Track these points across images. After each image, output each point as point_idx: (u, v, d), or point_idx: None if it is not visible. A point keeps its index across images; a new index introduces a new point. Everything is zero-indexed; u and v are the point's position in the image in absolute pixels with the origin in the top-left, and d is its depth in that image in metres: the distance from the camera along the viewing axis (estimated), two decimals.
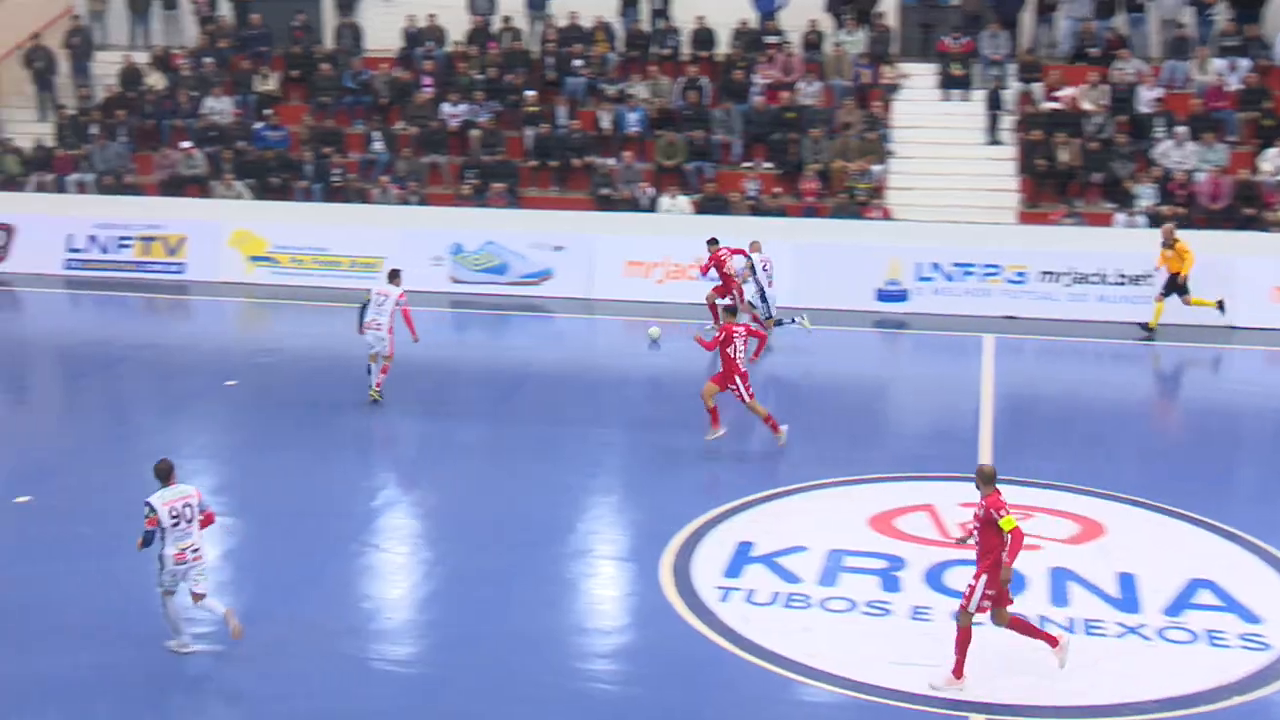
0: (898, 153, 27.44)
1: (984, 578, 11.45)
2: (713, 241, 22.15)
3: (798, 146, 27.33)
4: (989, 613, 11.62)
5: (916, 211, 26.18)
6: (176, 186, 28.43)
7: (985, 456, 17.32)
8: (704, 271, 22.22)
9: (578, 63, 29.43)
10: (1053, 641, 11.86)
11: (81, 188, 28.71)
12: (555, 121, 28.42)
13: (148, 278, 27.19)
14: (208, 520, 12.47)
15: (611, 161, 27.69)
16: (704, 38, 29.71)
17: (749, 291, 22.04)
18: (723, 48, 29.68)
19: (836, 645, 12.39)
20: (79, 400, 21.01)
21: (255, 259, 26.82)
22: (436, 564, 14.59)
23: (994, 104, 27.56)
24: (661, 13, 30.44)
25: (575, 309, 25.22)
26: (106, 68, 31.32)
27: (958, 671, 11.65)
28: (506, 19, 30.66)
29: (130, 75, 30.75)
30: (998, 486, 11.53)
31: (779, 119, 27.89)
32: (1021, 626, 11.85)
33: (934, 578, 13.85)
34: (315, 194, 27.99)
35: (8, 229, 28.15)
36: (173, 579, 12.36)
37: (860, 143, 27.16)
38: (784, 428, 17.53)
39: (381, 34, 31.21)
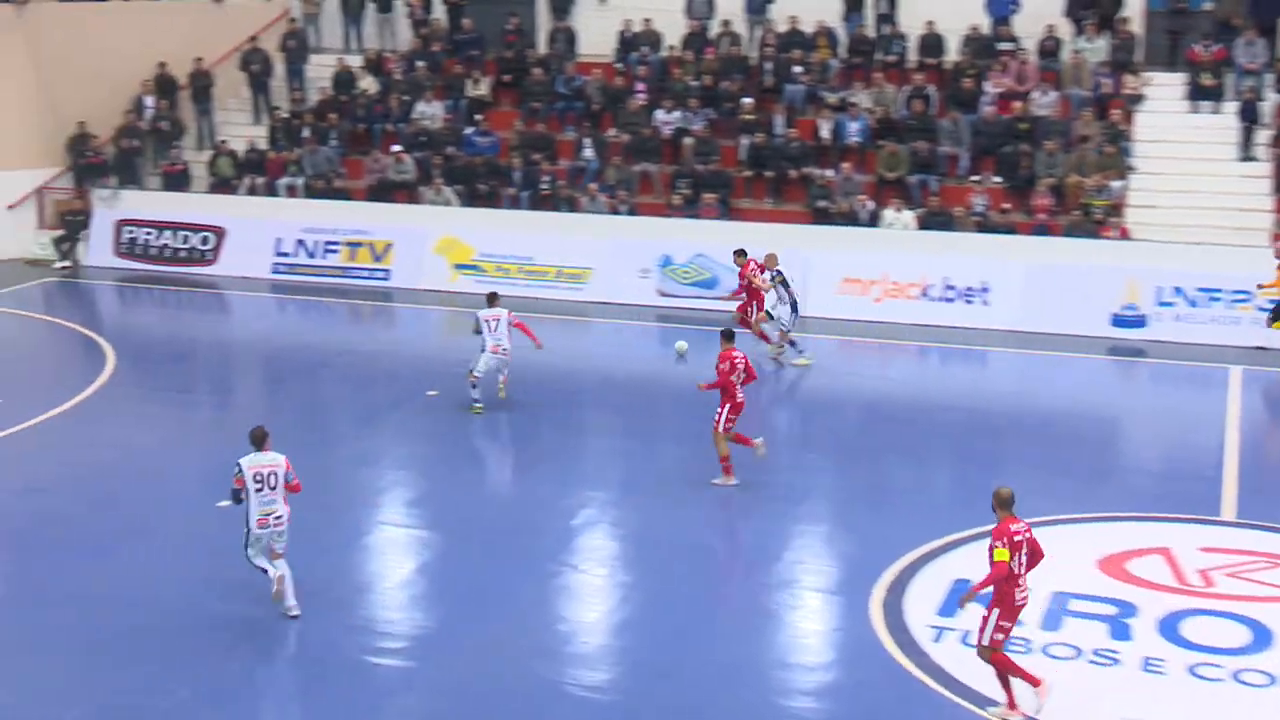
0: (1139, 168, 26.50)
1: (995, 611, 11.46)
2: (740, 253, 22.35)
3: (1030, 160, 26.60)
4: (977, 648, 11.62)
5: (1158, 231, 25.22)
6: (385, 192, 29.06)
7: (1229, 498, 16.53)
8: (738, 293, 22.66)
9: (797, 69, 29.18)
10: (1034, 682, 11.62)
11: (291, 191, 29.57)
12: (772, 130, 28.21)
13: (353, 283, 27.83)
14: (293, 489, 13.37)
15: (830, 173, 27.36)
16: (932, 44, 29.17)
17: (769, 301, 22.09)
18: (952, 54, 29.11)
19: (1058, 694, 11.87)
20: (279, 405, 21.51)
21: (460, 267, 27.25)
22: (634, 588, 14.49)
23: (1248, 117, 26.42)
24: (887, 17, 30.02)
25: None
26: (320, 71, 32.27)
27: (1030, 685, 11.60)
28: (725, 23, 30.61)
29: (343, 79, 31.61)
30: (1012, 514, 11.43)
31: (1010, 130, 27.20)
32: (1004, 664, 11.62)
33: (1169, 628, 13.22)
34: (523, 201, 28.32)
35: (219, 231, 29.14)
36: (257, 543, 13.25)
37: (1098, 157, 26.31)
38: (733, 480, 16.79)
39: (596, 38, 31.44)
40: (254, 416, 20.89)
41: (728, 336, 16.97)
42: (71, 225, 29.69)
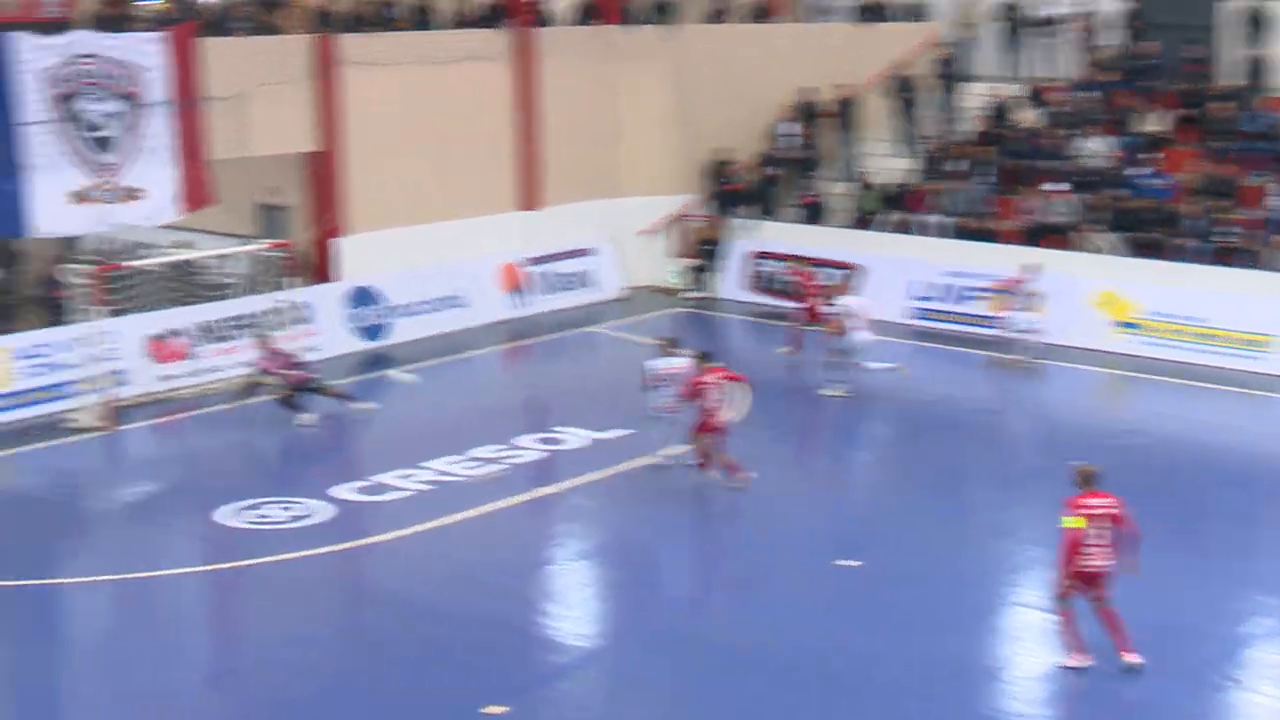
0: None
1: (1062, 570, 14.39)
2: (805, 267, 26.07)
3: None
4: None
5: None
6: (1037, 236, 28.99)
7: None
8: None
9: None
10: (1082, 653, 14.46)
11: (935, 230, 30.03)
12: None
13: (999, 335, 27.89)
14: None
15: None
16: None
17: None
18: None
19: None
20: (912, 462, 21.97)
21: (1122, 324, 26.77)
22: None
23: None
24: None
25: None
26: (973, 100, 32.65)
27: (1075, 652, 14.51)
28: None
29: (998, 109, 31.86)
30: (1089, 490, 14.40)
31: None
32: (1067, 619, 14.50)
33: None
34: (1195, 254, 27.47)
35: (854, 269, 30.05)
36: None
37: None
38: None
39: None
40: (880, 471, 21.63)
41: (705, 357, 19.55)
42: (705, 254, 31.58)
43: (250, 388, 23.03)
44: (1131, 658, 14.35)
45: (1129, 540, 14.36)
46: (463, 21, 30.50)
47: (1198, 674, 14.50)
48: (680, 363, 20.20)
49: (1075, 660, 14.51)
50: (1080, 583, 14.38)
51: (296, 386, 22.66)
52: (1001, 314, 26.71)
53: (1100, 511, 14.31)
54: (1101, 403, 25.54)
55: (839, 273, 28.80)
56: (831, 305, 25.09)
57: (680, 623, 16.03)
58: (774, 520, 19.04)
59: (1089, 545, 14.25)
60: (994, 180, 30.55)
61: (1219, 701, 14.10)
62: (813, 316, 26.41)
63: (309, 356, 24.08)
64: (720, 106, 32.51)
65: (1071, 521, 14.29)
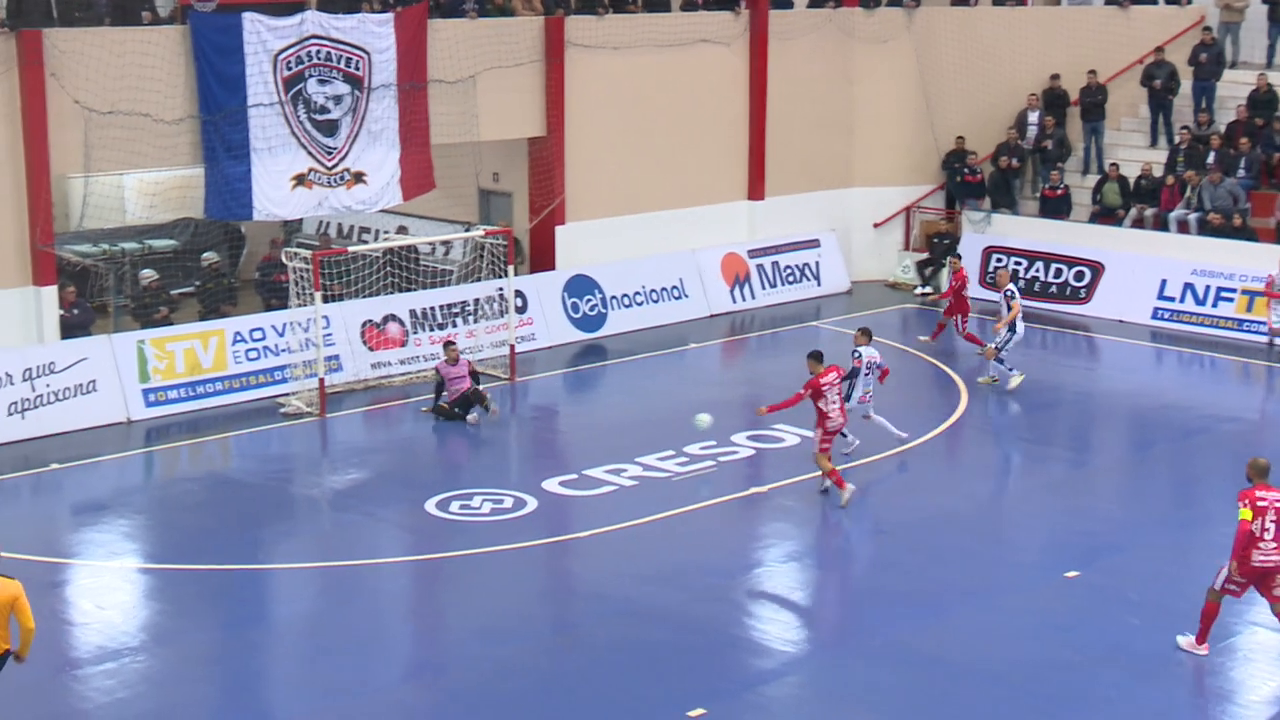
0: None
1: (1233, 563, 14.51)
2: (957, 256, 26.15)
3: None
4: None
5: None
6: None
7: None
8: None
9: None
10: (1204, 644, 14.87)
11: (1183, 226, 29.16)
12: None
13: (1247, 339, 26.95)
14: None
15: None
16: None
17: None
18: None
19: None
20: (1146, 470, 21.38)
21: None
22: None
23: None
24: None
25: None
26: (1235, 90, 31.51)
27: (1200, 638, 14.88)
28: None
29: (1262, 99, 30.71)
30: (1264, 483, 14.66)
31: None
32: (1211, 613, 14.79)
33: None
34: None
35: (1096, 267, 29.31)
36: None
37: None
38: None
39: None
40: (1113, 480, 21.03)
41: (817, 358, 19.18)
42: (937, 249, 31.06)
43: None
44: None
45: None
46: (697, 4, 30.49)
47: None
48: (875, 353, 21.03)
49: (1193, 646, 14.93)
50: (1250, 577, 14.53)
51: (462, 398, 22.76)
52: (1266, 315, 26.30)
53: (1271, 504, 14.42)
54: None
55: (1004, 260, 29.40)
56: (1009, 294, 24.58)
57: (890, 630, 15.81)
58: (1000, 528, 18.77)
59: (1261, 540, 14.36)
60: (1252, 175, 29.51)
61: None
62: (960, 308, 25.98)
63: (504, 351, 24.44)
64: (965, 92, 31.97)
65: (1243, 513, 14.45)
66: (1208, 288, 27.95)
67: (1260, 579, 14.53)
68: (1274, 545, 14.36)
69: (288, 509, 19.85)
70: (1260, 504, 14.40)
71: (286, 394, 23.41)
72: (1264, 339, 26.68)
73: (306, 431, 22.51)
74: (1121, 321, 28.46)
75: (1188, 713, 14.12)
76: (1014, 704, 14.05)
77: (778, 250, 30.46)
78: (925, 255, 31.26)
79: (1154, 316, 28.38)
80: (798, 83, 30.77)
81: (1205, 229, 28.88)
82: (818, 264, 30.93)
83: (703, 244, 29.53)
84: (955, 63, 31.90)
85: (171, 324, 24.20)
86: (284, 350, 23.67)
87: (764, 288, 30.00)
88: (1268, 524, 14.36)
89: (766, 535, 18.66)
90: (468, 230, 26.78)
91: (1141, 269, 28.81)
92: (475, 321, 25.52)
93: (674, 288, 28.76)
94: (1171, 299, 28.36)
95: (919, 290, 30.89)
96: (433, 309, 25.47)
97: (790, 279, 30.46)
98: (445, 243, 27.52)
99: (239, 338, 23.69)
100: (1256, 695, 14.37)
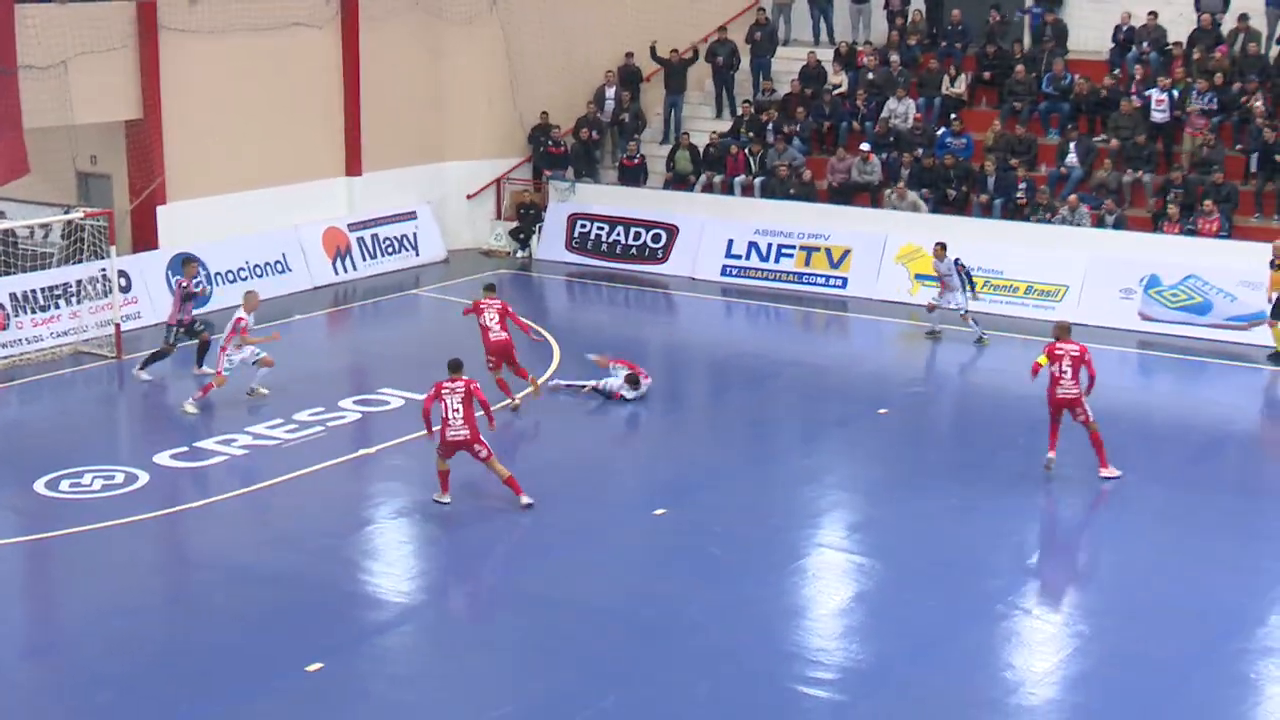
0: None
1: None
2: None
3: None
4: None
5: None
6: (847, 194, 29.30)
7: None
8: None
9: None
10: None
11: (747, 189, 30.25)
12: None
13: (806, 290, 28.17)
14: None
15: None
16: None
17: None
18: None
19: None
20: (724, 415, 22.15)
21: (921, 277, 27.11)
22: (1093, 640, 14.17)
23: None
24: None
25: None
26: (788, 65, 32.83)
27: None
28: (1243, 18, 29.28)
29: (812, 73, 32.07)
30: (1066, 338, 17.72)
31: None
32: None
33: None
34: (995, 209, 27.96)
35: (671, 229, 30.13)
36: None
37: None
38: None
39: (1087, 34, 30.74)
40: (697, 423, 21.73)
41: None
42: (526, 218, 31.39)
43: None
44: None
45: None
46: None
47: (983, 603, 14.77)
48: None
49: None
50: (1057, 407, 17.91)
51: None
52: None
53: (1067, 353, 17.76)
54: (899, 354, 25.49)
55: None
56: None
57: (497, 576, 15.98)
58: (596, 473, 19.14)
59: (1060, 379, 17.78)
60: (807, 142, 30.78)
61: (1005, 628, 14.39)
62: None
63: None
64: (545, 70, 32.26)
65: (1039, 359, 18.07)
66: (770, 245, 29.07)
67: (1067, 407, 17.72)
68: (1072, 382, 17.65)
69: None
70: (1058, 353, 17.77)
71: None
72: (825, 289, 27.83)
73: None
74: (694, 279, 29.33)
75: (767, 622, 14.58)
76: (614, 632, 14.38)
77: (377, 223, 30.18)
78: (515, 224, 31.56)
79: (723, 273, 29.35)
80: (390, 63, 30.47)
81: (766, 192, 30.03)
82: (415, 235, 30.79)
83: (305, 220, 29.05)
84: (538, 42, 32.19)
85: None
86: None
87: (365, 259, 29.70)
88: (1065, 367, 17.68)
89: (376, 494, 18.54)
90: (67, 213, 25.64)
91: (711, 230, 29.74)
92: (79, 303, 24.51)
93: (277, 262, 28.18)
94: (739, 256, 29.36)
95: (517, 254, 31.16)
96: (34, 291, 24.31)
97: (390, 250, 30.24)
98: (44, 226, 26.31)
99: None
100: (824, 610, 15.06)
